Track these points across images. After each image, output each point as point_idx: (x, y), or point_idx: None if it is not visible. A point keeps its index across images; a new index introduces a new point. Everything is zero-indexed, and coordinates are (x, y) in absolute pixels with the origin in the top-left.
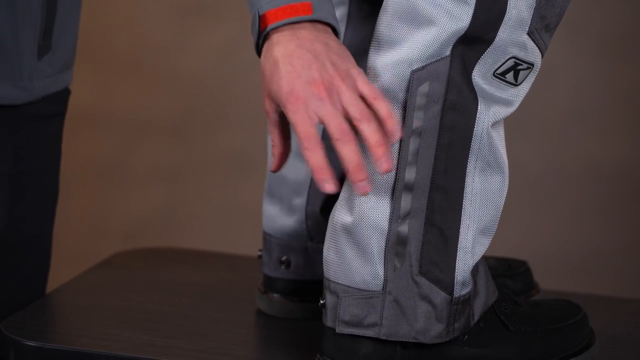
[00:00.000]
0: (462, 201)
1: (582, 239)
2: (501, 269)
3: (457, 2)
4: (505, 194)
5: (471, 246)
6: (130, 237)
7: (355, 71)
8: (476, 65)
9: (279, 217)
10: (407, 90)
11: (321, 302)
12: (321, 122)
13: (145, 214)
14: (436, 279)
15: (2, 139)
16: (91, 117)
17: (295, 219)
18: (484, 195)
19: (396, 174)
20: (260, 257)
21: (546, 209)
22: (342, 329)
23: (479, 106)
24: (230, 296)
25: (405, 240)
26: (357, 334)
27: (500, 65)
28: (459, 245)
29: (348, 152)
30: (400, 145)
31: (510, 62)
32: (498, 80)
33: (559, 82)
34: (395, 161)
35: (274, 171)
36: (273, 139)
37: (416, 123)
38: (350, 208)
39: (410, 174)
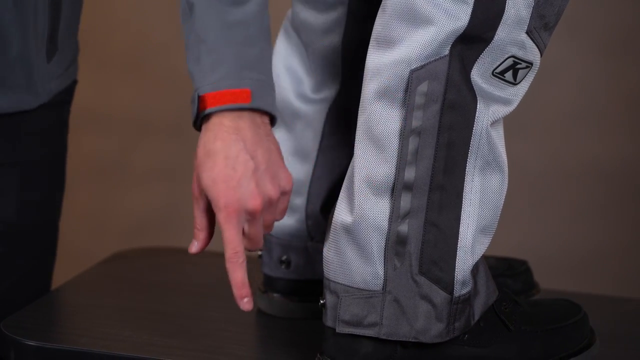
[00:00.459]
0: (462, 200)
1: (582, 239)
2: (501, 269)
3: (455, 1)
4: (505, 193)
5: (471, 245)
6: (130, 236)
7: (285, 185)
8: (475, 65)
9: None
10: (406, 89)
11: (321, 301)
12: (245, 232)
13: (145, 213)
14: (436, 279)
15: (12, 129)
16: (91, 117)
17: (296, 218)
18: (483, 195)
19: (396, 173)
20: (260, 256)
21: (546, 209)
22: (342, 329)
23: (478, 105)
24: (230, 296)
25: (405, 239)
26: (357, 333)
27: (499, 64)
28: (458, 245)
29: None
30: (400, 144)
31: (509, 61)
32: (497, 79)
33: (559, 82)
34: (395, 161)
35: (195, 254)
36: (199, 223)
37: (415, 122)
38: (351, 208)
39: (409, 174)
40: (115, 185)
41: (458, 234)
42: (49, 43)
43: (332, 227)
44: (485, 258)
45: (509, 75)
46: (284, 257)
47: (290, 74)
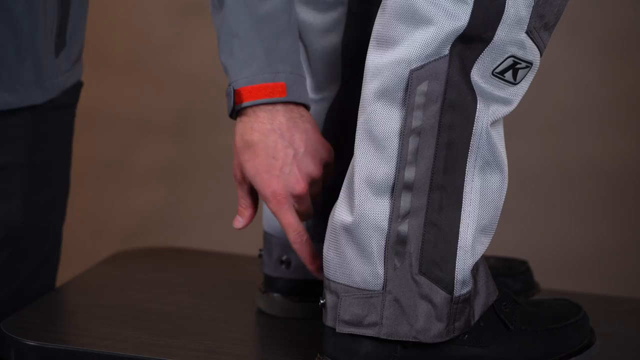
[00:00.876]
0: (462, 200)
1: (582, 238)
2: (501, 269)
3: (455, 1)
4: (505, 192)
5: (471, 245)
6: (131, 236)
7: (327, 157)
8: (475, 64)
9: None
10: (406, 89)
11: (321, 301)
12: (296, 210)
13: (146, 213)
14: (436, 278)
15: (19, 132)
16: (91, 117)
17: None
18: (483, 194)
19: (396, 173)
20: (260, 256)
21: (546, 209)
22: (342, 329)
23: (478, 105)
24: (230, 296)
25: (405, 239)
26: (358, 333)
27: (499, 64)
28: (458, 244)
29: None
30: (400, 144)
31: (509, 61)
32: (497, 79)
33: (559, 82)
34: (395, 161)
35: (240, 229)
36: (243, 204)
37: (415, 122)
38: (351, 208)
39: (409, 173)
40: (116, 185)
41: (458, 233)
42: (57, 38)
43: (332, 227)
44: (485, 258)
45: (508, 75)
46: (284, 257)
47: None
